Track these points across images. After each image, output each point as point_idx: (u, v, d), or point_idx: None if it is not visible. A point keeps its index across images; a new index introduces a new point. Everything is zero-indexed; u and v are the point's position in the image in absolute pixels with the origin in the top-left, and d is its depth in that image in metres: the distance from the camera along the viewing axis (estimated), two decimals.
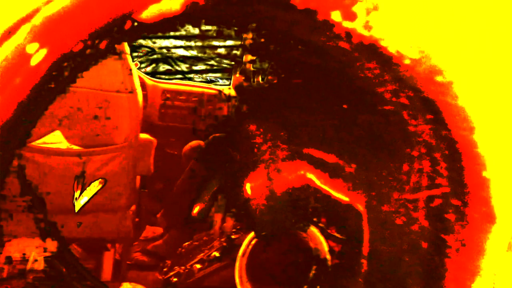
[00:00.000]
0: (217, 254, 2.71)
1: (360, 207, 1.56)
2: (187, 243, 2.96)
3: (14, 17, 0.87)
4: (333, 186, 1.69)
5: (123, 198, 2.78)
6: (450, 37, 1.08)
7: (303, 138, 1.69)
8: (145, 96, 4.04)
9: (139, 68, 4.14)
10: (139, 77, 3.99)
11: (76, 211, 2.50)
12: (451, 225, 1.26)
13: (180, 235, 3.24)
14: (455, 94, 1.09)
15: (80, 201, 2.50)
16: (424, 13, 1.05)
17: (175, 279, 2.78)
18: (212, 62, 6.01)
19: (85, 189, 2.51)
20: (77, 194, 2.49)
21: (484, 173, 1.15)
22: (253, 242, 2.07)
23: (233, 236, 2.64)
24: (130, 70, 2.75)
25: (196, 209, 2.23)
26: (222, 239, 2.70)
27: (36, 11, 0.88)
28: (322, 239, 1.94)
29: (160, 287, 2.81)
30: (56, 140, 2.64)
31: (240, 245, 2.13)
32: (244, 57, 2.94)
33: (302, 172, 1.72)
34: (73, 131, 2.65)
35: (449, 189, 1.24)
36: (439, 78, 1.08)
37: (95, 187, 2.56)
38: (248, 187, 1.93)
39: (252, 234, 2.05)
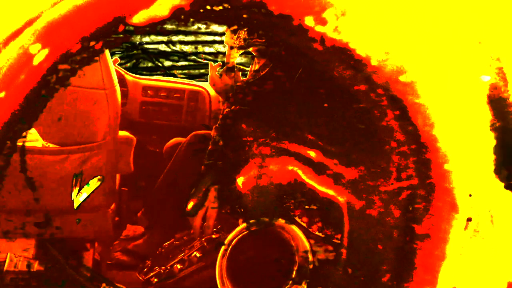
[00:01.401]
0: (197, 254, 2.82)
1: (341, 200, 1.71)
2: (167, 243, 3.06)
3: (19, 20, 1.02)
4: (317, 180, 1.82)
5: (101, 197, 2.83)
6: (411, 40, 1.26)
7: (289, 136, 1.83)
8: (125, 93, 4.10)
9: (119, 64, 4.18)
10: (119, 73, 4.06)
11: (75, 208, 2.56)
12: (419, 214, 1.45)
13: (161, 234, 3.31)
14: (417, 93, 1.27)
15: (79, 198, 2.56)
16: (387, 18, 1.23)
17: (155, 280, 2.87)
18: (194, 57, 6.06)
19: (84, 186, 2.58)
20: (75, 191, 2.55)
21: (446, 166, 1.33)
22: (234, 242, 2.13)
23: (214, 236, 2.75)
24: (109, 66, 2.80)
25: (190, 205, 2.31)
26: (203, 239, 2.79)
27: (39, 15, 1.03)
28: (303, 238, 2.03)
29: (141, 287, 2.88)
30: (31, 138, 2.67)
31: (221, 245, 2.17)
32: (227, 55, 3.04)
33: (290, 168, 1.86)
34: (49, 129, 2.69)
35: (417, 181, 1.42)
36: (403, 78, 1.25)
37: (94, 183, 2.63)
38: (240, 182, 2.05)
39: (232, 234, 2.12)
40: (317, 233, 2.02)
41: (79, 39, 1.13)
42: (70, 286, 2.62)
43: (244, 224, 2.10)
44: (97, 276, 2.84)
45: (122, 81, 4.08)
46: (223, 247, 2.13)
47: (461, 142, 1.33)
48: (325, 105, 1.57)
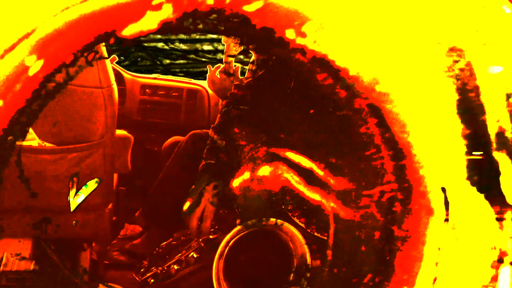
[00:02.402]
0: (194, 255, 2.87)
1: (327, 204, 1.83)
2: (164, 243, 3.11)
3: (16, 34, 1.15)
4: (305, 185, 1.93)
5: (99, 196, 2.87)
6: (383, 52, 1.38)
7: (279, 141, 1.94)
8: (123, 91, 4.20)
9: (117, 62, 4.24)
10: (117, 71, 4.14)
11: (72, 210, 2.60)
12: (398, 217, 1.58)
13: (159, 234, 3.37)
14: (393, 101, 1.39)
15: (76, 200, 2.61)
16: (362, 31, 1.35)
17: (152, 280, 2.93)
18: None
19: (81, 187, 2.62)
20: (72, 193, 2.60)
21: (421, 171, 1.45)
22: (231, 243, 2.18)
23: (211, 237, 2.76)
24: (106, 64, 2.85)
25: (186, 205, 2.35)
26: (200, 240, 2.83)
27: (34, 30, 1.16)
28: (301, 238, 2.08)
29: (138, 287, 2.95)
30: (28, 137, 2.69)
31: (218, 246, 2.22)
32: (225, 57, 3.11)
33: (279, 172, 1.95)
34: (46, 128, 2.74)
35: (396, 185, 1.54)
36: (378, 88, 1.38)
37: (92, 185, 2.69)
38: (234, 184, 2.13)
39: (229, 235, 2.17)
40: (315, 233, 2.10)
41: (72, 51, 1.26)
42: (66, 286, 2.69)
43: (241, 225, 2.16)
44: (93, 277, 2.92)
45: (120, 79, 4.18)
46: (220, 248, 2.18)
47: (434, 148, 1.47)
48: (311, 111, 1.68)
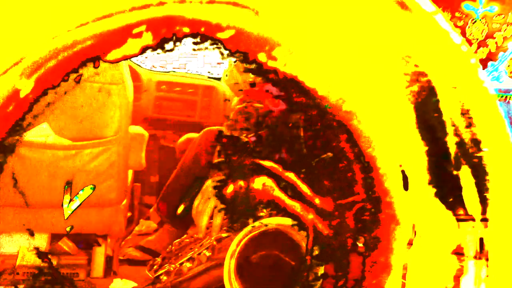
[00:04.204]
0: (207, 253, 2.95)
1: (305, 216, 2.02)
2: (177, 240, 3.23)
3: (8, 61, 1.38)
4: (288, 197, 2.08)
5: (113, 192, 3.02)
6: (347, 74, 1.58)
7: (262, 153, 2.09)
8: (138, 87, 4.29)
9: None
10: (132, 68, 4.21)
11: (66, 218, 2.67)
12: (367, 226, 1.78)
13: (173, 231, 3.53)
14: (358, 119, 1.59)
15: (71, 206, 2.68)
16: (328, 55, 1.55)
17: (164, 278, 3.02)
18: None
19: (76, 195, 2.69)
20: (66, 199, 2.68)
21: (386, 183, 1.64)
22: (242, 242, 2.27)
23: (223, 235, 2.86)
24: None
25: (180, 208, 2.43)
26: (213, 238, 2.92)
27: (24, 57, 1.38)
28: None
29: (150, 284, 3.05)
30: (43, 133, 2.83)
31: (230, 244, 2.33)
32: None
33: (263, 181, 2.10)
34: (61, 124, 2.85)
35: (365, 196, 1.74)
36: (345, 106, 1.58)
37: (87, 192, 2.75)
38: (228, 190, 2.28)
39: (241, 234, 2.28)
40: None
41: (60, 75, 1.48)
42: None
43: (255, 224, 2.26)
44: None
45: (135, 75, 4.28)
46: (232, 247, 2.29)
47: (394, 163, 1.67)
48: (289, 125, 1.88)
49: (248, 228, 2.28)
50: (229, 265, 2.29)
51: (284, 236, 2.26)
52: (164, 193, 3.68)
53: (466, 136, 1.66)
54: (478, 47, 2.59)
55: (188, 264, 3.00)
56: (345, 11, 1.57)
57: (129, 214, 3.49)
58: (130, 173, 3.45)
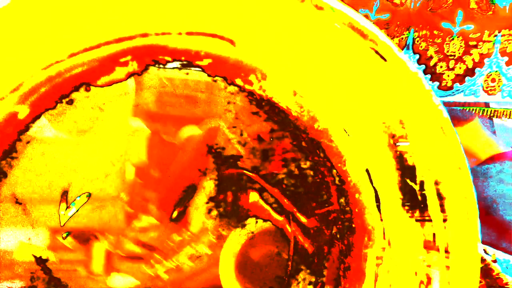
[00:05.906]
0: (207, 251, 2.73)
1: (287, 228, 2.22)
2: (178, 237, 2.98)
3: (6, 88, 1.63)
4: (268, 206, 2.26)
5: (113, 187, 2.80)
6: (319, 95, 1.81)
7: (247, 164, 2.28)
8: (140, 82, 4.46)
9: None
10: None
11: (62, 225, 2.67)
12: (342, 234, 2.00)
13: (173, 227, 3.68)
14: (330, 138, 1.81)
15: (68, 213, 2.71)
16: (299, 79, 1.80)
17: (163, 274, 2.75)
18: None
19: (73, 202, 2.79)
20: (62, 207, 2.83)
21: (357, 195, 1.86)
22: (242, 240, 2.32)
23: (224, 233, 2.66)
24: None
25: (175, 214, 2.55)
26: (213, 234, 2.70)
27: (21, 84, 1.63)
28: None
29: (149, 280, 2.80)
30: (44, 128, 2.74)
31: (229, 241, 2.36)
32: None
33: (251, 193, 2.28)
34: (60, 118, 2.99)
35: (338, 207, 1.97)
36: (316, 126, 1.81)
37: (82, 199, 2.85)
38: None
39: (239, 231, 2.32)
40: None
41: (54, 99, 1.74)
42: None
43: (256, 222, 2.29)
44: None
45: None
46: (230, 245, 2.34)
47: (362, 176, 1.90)
48: (271, 139, 2.07)
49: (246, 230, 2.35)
50: (228, 262, 2.36)
51: (286, 235, 2.27)
52: (164, 189, 3.41)
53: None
54: (456, 63, 2.78)
55: (189, 261, 2.76)
56: (314, 41, 1.78)
57: (129, 209, 3.61)
58: (131, 168, 3.57)
